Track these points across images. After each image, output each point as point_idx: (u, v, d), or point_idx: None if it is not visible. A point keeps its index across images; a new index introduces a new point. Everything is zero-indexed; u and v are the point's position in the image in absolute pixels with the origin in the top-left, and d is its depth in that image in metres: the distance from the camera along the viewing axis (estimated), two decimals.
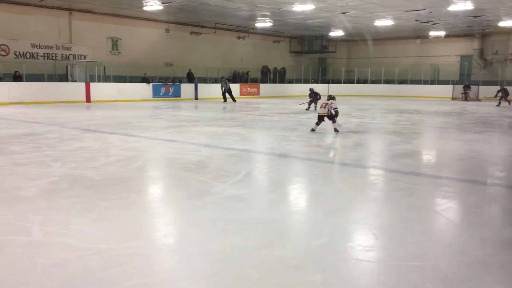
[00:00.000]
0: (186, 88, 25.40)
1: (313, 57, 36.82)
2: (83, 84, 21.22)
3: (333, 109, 10.12)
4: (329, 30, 30.03)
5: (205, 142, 8.77)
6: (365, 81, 34.50)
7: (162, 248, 3.48)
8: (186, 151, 7.70)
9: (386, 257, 3.34)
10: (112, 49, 24.82)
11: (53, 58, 22.25)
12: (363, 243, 3.60)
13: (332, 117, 10.13)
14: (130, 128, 10.94)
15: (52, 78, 21.56)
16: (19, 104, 18.33)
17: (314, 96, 17.30)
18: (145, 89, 23.56)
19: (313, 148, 8.39)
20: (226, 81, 23.87)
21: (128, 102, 21.61)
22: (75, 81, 22.22)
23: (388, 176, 6.17)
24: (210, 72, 27.37)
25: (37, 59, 21.67)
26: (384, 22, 25.14)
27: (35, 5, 21.06)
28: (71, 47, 22.84)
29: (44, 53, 21.94)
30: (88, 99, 20.98)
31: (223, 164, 6.60)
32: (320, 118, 10.20)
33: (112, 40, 24.77)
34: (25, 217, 4.02)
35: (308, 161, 7.27)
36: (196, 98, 25.52)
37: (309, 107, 17.47)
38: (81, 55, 23.20)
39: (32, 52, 21.53)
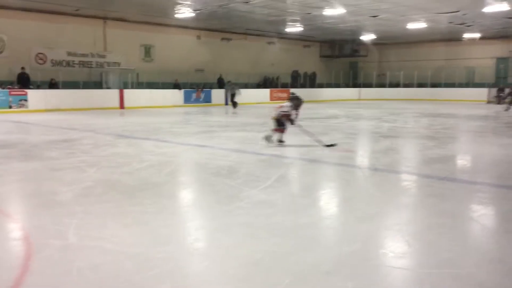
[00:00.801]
0: (217, 94, 25.61)
1: (344, 61, 36.50)
2: (117, 91, 21.67)
3: (283, 112, 8.77)
4: (360, 34, 29.75)
5: (235, 147, 8.83)
6: (397, 85, 33.94)
7: (193, 252, 3.51)
8: (216, 157, 7.76)
9: (419, 264, 3.28)
10: (145, 56, 25.29)
11: (88, 65, 22.84)
12: (396, 250, 3.55)
13: (281, 123, 8.84)
14: (162, 134, 11.11)
15: (87, 85, 22.15)
16: (55, 111, 18.87)
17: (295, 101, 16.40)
18: (177, 95, 23.87)
19: (344, 153, 8.31)
20: (234, 85, 22.25)
21: (160, 108, 21.94)
22: (109, 88, 22.73)
23: (421, 182, 6.06)
24: (240, 77, 27.49)
25: (73, 67, 22.29)
26: (416, 25, 24.75)
27: (71, 15, 21.67)
28: (105, 55, 23.40)
29: (79, 61, 22.54)
30: (121, 106, 21.41)
31: (253, 169, 6.62)
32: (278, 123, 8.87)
33: (145, 47, 25.25)
34: (61, 221, 4.13)
35: (339, 166, 7.21)
36: (227, 103, 25.64)
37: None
38: (115, 62, 23.72)
39: (68, 60, 22.15)
